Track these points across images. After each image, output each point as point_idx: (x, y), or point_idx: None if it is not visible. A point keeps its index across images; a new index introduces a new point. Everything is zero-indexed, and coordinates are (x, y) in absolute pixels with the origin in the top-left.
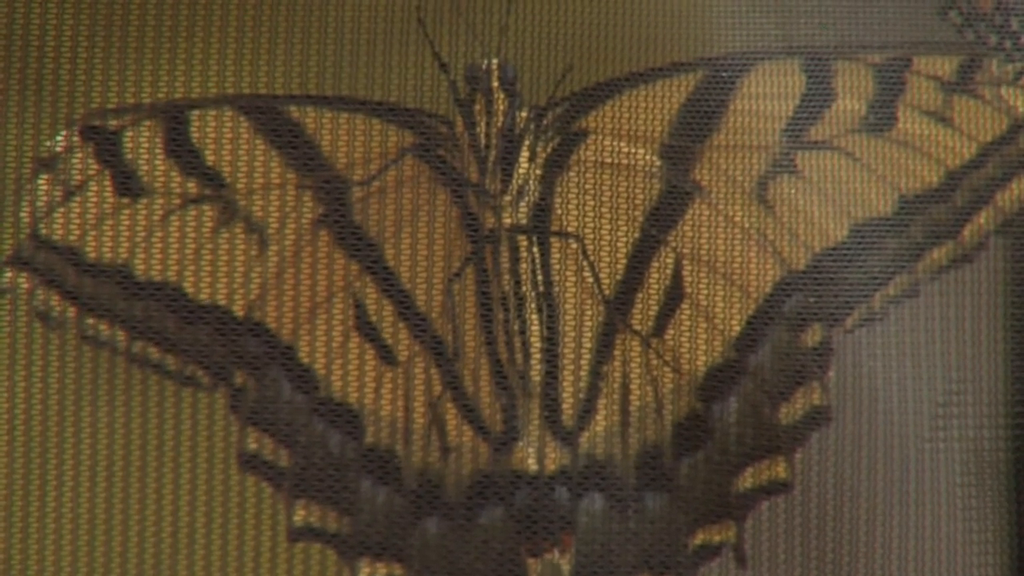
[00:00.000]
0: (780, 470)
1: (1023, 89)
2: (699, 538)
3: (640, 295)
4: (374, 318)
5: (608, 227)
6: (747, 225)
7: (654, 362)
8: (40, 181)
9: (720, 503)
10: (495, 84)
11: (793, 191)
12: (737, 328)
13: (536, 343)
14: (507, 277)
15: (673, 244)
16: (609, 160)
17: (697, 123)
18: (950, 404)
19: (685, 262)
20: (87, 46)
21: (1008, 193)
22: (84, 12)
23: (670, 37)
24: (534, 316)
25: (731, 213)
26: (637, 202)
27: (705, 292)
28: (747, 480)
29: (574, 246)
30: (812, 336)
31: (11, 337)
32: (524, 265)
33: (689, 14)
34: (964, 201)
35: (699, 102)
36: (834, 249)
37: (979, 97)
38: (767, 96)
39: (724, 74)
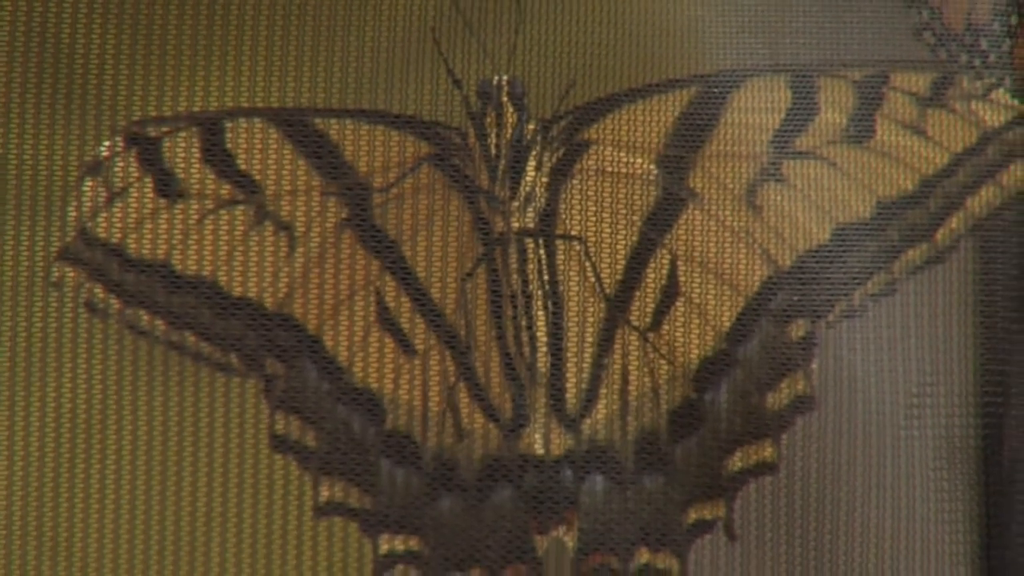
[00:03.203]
0: (767, 453)
1: (992, 103)
2: (693, 515)
3: (638, 293)
4: (394, 313)
5: (609, 230)
6: (737, 228)
7: (651, 354)
8: (87, 184)
9: (712, 483)
10: (505, 99)
11: (780, 197)
12: (728, 322)
13: (543, 337)
14: (516, 276)
15: (669, 245)
16: (610, 168)
17: (691, 134)
18: (924, 394)
19: (680, 262)
20: (129, 63)
21: (978, 199)
22: (126, 32)
23: (666, 56)
24: (541, 312)
25: (723, 217)
26: (636, 207)
27: (698, 289)
28: (737, 462)
29: (578, 248)
30: (797, 330)
31: (61, 326)
32: (531, 265)
33: (684, 34)
34: (937, 206)
35: (693, 115)
36: (817, 250)
37: (951, 110)
38: (756, 110)
39: (716, 90)
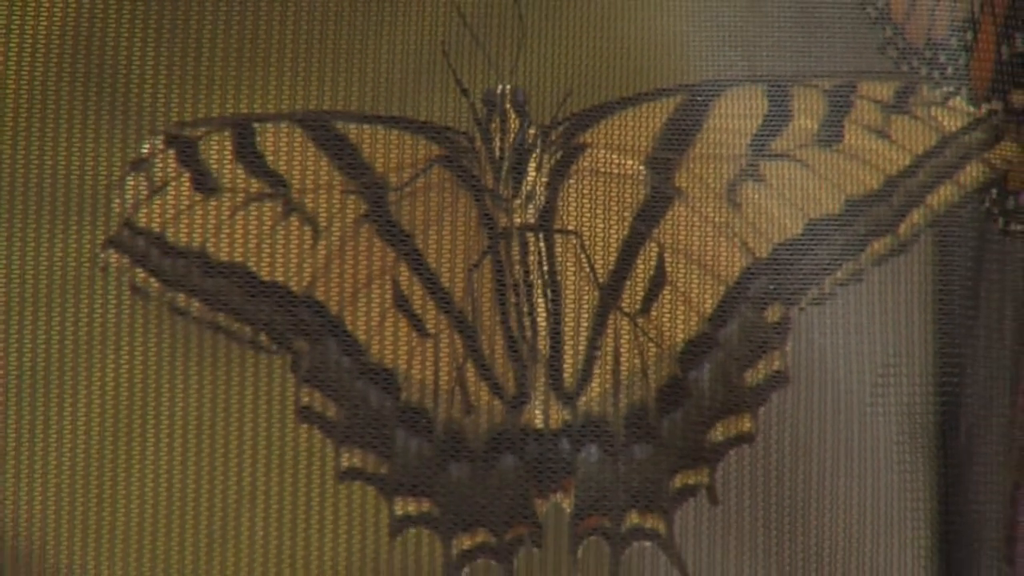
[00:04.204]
0: (746, 425)
1: (950, 110)
2: (679, 481)
3: (629, 281)
4: (408, 298)
5: (602, 225)
6: (719, 222)
7: (640, 337)
8: (131, 180)
9: (696, 452)
10: (508, 106)
11: (757, 194)
12: (710, 307)
13: (542, 321)
14: (518, 267)
15: (657, 238)
16: (604, 169)
17: (677, 138)
18: (888, 374)
19: (667, 253)
20: (167, 72)
21: (937, 196)
22: (165, 43)
23: (654, 67)
24: (541, 299)
25: (706, 212)
26: (627, 204)
27: (683, 278)
28: (718, 433)
29: (574, 241)
30: (773, 314)
31: (107, 310)
32: (532, 257)
33: (670, 48)
34: (900, 203)
35: (679, 121)
36: (791, 242)
37: (913, 116)
38: (736, 116)
39: (699, 98)
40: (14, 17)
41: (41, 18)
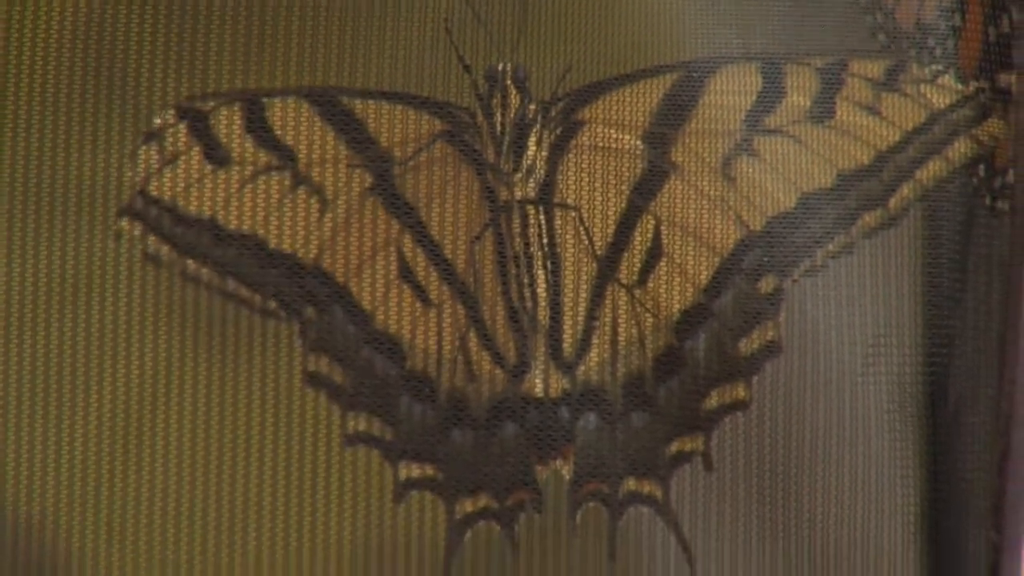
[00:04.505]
0: (740, 393)
1: (939, 87)
2: (674, 448)
3: (626, 253)
4: (413, 268)
5: (600, 199)
6: (714, 196)
7: (637, 307)
8: (145, 150)
9: (691, 420)
10: (509, 83)
11: (751, 169)
12: (705, 279)
13: (542, 293)
14: (518, 240)
15: (654, 212)
16: (602, 144)
17: (673, 114)
18: (879, 344)
19: (663, 226)
20: (178, 48)
21: (926, 171)
22: (175, 20)
23: (651, 45)
24: (541, 271)
25: (701, 186)
26: (624, 178)
27: (679, 250)
28: (713, 401)
29: (573, 214)
30: (766, 285)
31: (117, 272)
32: (532, 230)
33: (667, 26)
34: (890, 177)
35: (675, 97)
36: (784, 215)
37: (903, 94)
38: (730, 92)
39: (695, 75)
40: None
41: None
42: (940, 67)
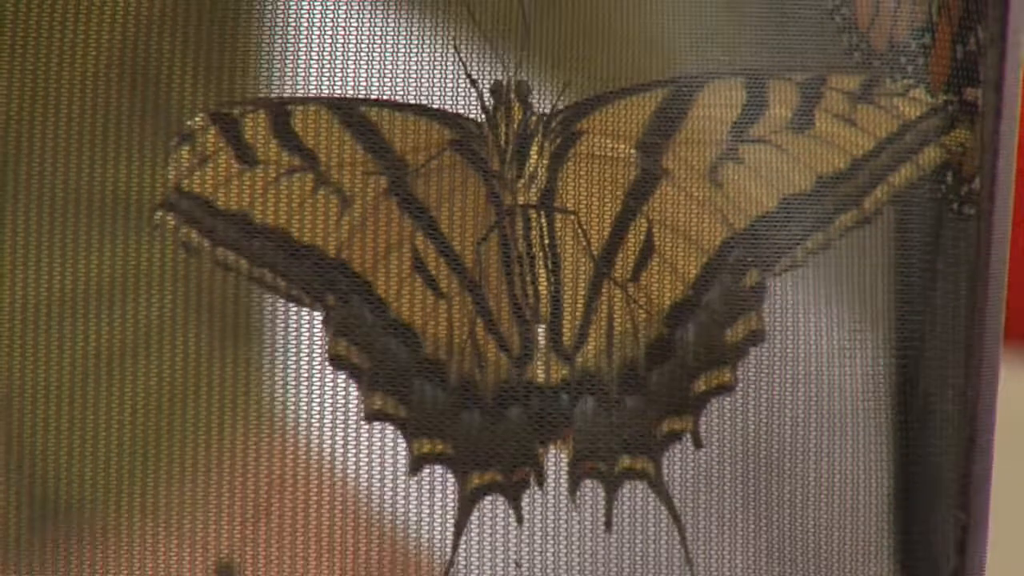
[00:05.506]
0: (727, 377)
1: (910, 99)
2: (666, 428)
3: (621, 252)
4: (425, 262)
5: (597, 203)
6: (702, 199)
7: (631, 302)
8: (182, 150)
9: (682, 402)
10: (513, 96)
11: (737, 174)
12: (694, 274)
13: (544, 289)
14: (522, 241)
15: (646, 214)
16: (599, 153)
17: (665, 125)
18: (854, 337)
19: (655, 227)
20: (215, 59)
21: (898, 175)
22: (207, 33)
23: (644, 62)
24: (542, 270)
25: (690, 190)
26: (619, 184)
27: (670, 248)
28: (702, 384)
29: (572, 218)
30: (750, 279)
31: (160, 267)
32: (534, 232)
33: (659, 45)
34: (865, 181)
35: (666, 110)
36: (767, 216)
37: (877, 105)
38: (717, 105)
39: (685, 89)
40: (68, 16)
41: (92, 17)
42: (912, 82)
